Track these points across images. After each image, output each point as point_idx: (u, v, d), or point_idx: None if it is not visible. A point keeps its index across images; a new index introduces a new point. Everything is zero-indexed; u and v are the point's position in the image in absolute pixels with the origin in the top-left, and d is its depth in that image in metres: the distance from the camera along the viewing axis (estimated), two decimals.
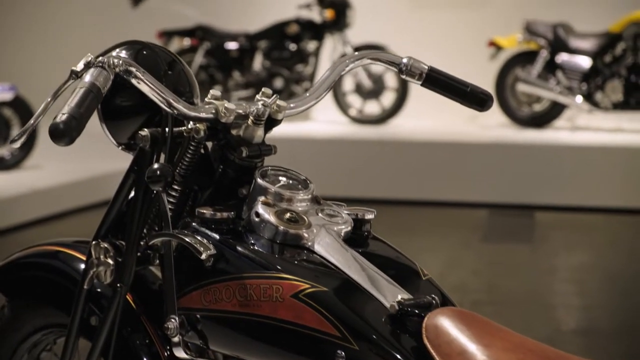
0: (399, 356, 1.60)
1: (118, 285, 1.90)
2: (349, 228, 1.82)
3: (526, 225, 7.52)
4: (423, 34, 10.53)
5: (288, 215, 1.78)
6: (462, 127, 9.45)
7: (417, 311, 1.64)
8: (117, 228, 1.96)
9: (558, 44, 9.15)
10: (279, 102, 1.87)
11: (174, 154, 1.88)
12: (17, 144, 1.84)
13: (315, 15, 9.79)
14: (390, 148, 8.58)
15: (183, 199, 1.89)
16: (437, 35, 10.55)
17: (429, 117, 9.85)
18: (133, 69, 1.77)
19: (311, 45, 9.80)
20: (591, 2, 10.30)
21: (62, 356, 2.00)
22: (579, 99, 9.01)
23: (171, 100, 1.78)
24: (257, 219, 1.78)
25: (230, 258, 1.76)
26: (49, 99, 1.83)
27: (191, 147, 1.87)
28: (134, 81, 1.77)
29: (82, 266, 2.01)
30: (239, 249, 1.76)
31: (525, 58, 9.36)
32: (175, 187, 1.88)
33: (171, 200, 1.88)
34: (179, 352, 1.84)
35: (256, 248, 1.76)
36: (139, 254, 1.90)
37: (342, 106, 9.72)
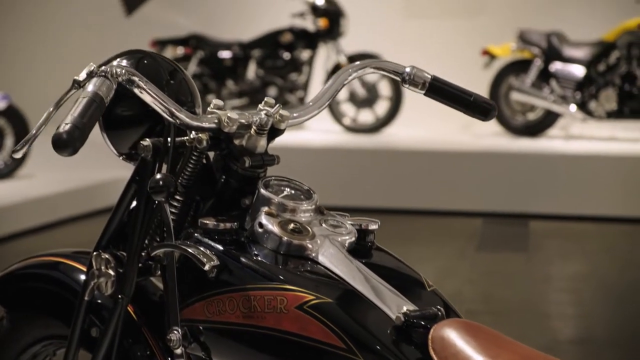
0: None
1: (119, 296, 1.89)
2: (353, 239, 1.81)
3: (521, 234, 7.52)
4: (417, 43, 10.54)
5: (292, 225, 1.76)
6: (456, 136, 9.45)
7: (422, 323, 1.62)
8: (118, 239, 1.94)
9: (552, 53, 9.16)
10: (282, 111, 1.85)
11: (175, 164, 1.87)
12: (19, 154, 1.82)
13: (309, 24, 9.79)
14: (384, 157, 8.57)
15: (185, 209, 1.88)
16: (431, 44, 10.56)
17: (422, 126, 9.86)
18: (136, 79, 1.76)
19: (305, 54, 9.80)
20: (585, 11, 10.32)
21: None
22: (573, 107, 9.02)
23: (174, 110, 1.77)
24: (260, 230, 1.76)
25: (233, 269, 1.74)
26: (51, 109, 1.82)
27: (193, 157, 1.86)
28: (136, 91, 1.76)
29: (82, 277, 2.00)
30: (243, 259, 1.75)
31: (519, 67, 9.37)
32: (177, 197, 1.87)
33: (173, 210, 1.86)
34: None
35: (260, 259, 1.75)
36: (140, 264, 1.88)
37: (336, 115, 9.72)
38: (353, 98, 9.68)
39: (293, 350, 1.66)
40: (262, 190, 1.81)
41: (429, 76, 1.97)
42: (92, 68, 1.77)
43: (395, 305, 1.65)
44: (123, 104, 1.86)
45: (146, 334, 1.97)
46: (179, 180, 1.86)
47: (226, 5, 11.10)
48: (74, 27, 11.27)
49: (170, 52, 9.85)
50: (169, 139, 1.84)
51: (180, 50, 9.84)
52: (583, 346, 4.83)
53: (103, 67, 1.76)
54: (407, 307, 1.65)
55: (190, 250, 1.75)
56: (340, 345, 1.61)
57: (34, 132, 1.81)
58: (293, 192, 1.85)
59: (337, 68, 9.40)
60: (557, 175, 8.10)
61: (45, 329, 2.16)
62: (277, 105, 1.86)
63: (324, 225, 1.81)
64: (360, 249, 1.81)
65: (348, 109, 9.76)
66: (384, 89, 9.65)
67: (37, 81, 11.04)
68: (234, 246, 1.78)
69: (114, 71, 1.74)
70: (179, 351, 1.80)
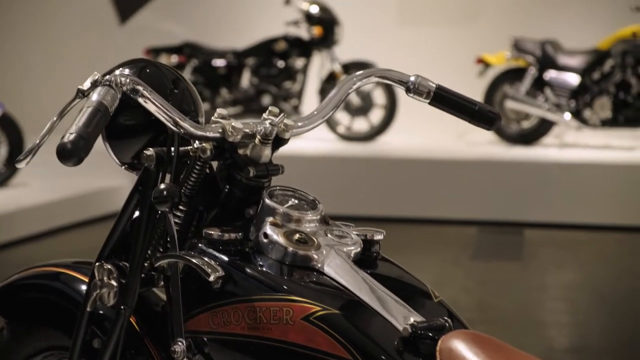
0: None
1: (122, 307, 1.87)
2: (359, 249, 1.80)
3: (515, 243, 7.51)
4: (411, 51, 10.54)
5: (297, 236, 1.75)
6: (450, 144, 9.45)
7: (430, 334, 1.61)
8: (120, 249, 1.92)
9: (546, 61, 9.16)
10: (286, 121, 1.84)
11: (179, 173, 1.85)
12: (23, 164, 1.81)
13: (303, 32, 9.78)
14: (379, 165, 8.56)
15: (188, 219, 1.86)
16: (425, 52, 10.56)
17: (417, 134, 9.85)
18: (140, 88, 1.75)
19: (299, 62, 9.79)
20: (579, 19, 10.33)
21: None
22: (568, 116, 9.02)
23: (178, 120, 1.75)
24: (265, 240, 1.75)
25: (238, 280, 1.73)
26: (55, 118, 1.80)
27: (197, 167, 1.84)
28: (140, 100, 1.75)
29: (84, 287, 1.98)
30: (248, 270, 1.73)
31: (513, 75, 9.37)
32: (181, 207, 1.85)
33: (176, 220, 1.85)
34: None
35: (265, 269, 1.73)
36: (143, 275, 1.87)
37: (330, 123, 9.70)
38: (347, 106, 9.66)
39: None
40: (267, 200, 1.79)
41: (434, 85, 1.96)
42: (97, 77, 1.76)
43: (402, 317, 1.64)
44: (125, 113, 1.83)
45: (149, 345, 1.95)
46: (182, 190, 1.84)
47: (220, 13, 11.09)
48: (68, 36, 11.25)
49: (164, 60, 9.82)
50: (172, 149, 1.83)
51: (174, 59, 9.82)
52: (578, 354, 4.83)
53: (107, 77, 1.75)
54: (414, 318, 1.64)
55: (194, 260, 1.74)
56: (347, 357, 1.60)
57: (38, 141, 1.79)
58: (298, 202, 1.84)
59: (331, 76, 9.40)
60: (552, 184, 8.10)
61: (45, 340, 2.14)
62: (282, 114, 1.85)
63: (329, 235, 1.80)
64: (366, 260, 1.80)
65: (342, 117, 9.74)
66: (379, 97, 9.64)
67: (32, 90, 11.02)
68: (238, 257, 1.76)
69: (119, 80, 1.73)
70: None
